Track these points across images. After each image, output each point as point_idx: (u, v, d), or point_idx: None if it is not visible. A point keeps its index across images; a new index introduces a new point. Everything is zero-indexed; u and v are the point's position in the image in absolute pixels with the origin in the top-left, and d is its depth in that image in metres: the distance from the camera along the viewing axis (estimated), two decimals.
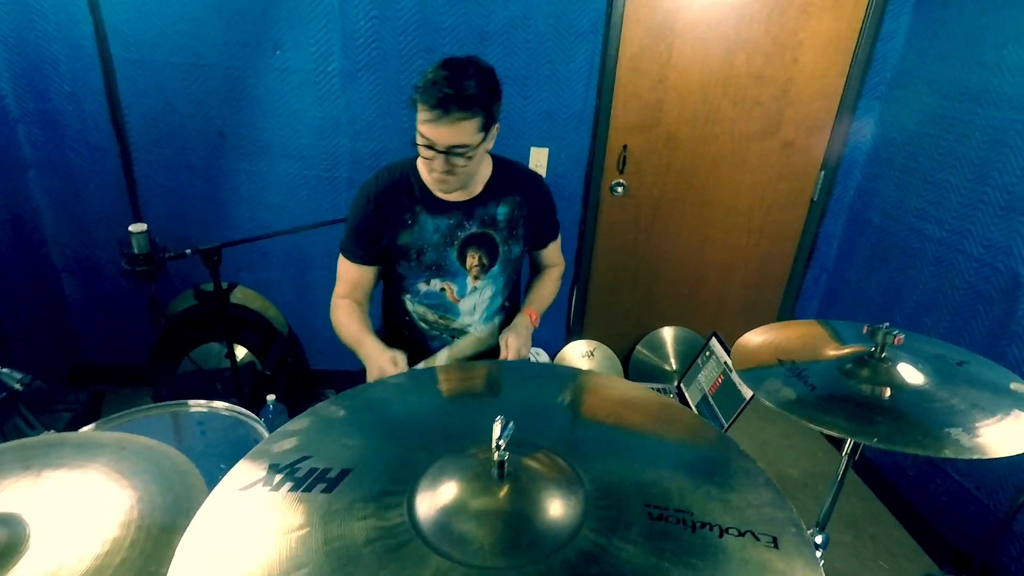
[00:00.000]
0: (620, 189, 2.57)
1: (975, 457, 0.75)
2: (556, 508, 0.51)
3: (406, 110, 2.35)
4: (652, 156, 2.52)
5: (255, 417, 1.30)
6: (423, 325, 1.57)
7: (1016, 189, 1.85)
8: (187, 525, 0.56)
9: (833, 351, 1.05)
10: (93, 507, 0.73)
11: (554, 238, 1.67)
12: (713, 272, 2.76)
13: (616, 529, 0.50)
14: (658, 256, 2.72)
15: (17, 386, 1.16)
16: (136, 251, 1.69)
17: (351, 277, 1.52)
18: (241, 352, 2.56)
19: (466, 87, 1.23)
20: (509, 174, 1.52)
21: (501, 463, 0.54)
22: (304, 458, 0.63)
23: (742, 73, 2.39)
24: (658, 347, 2.94)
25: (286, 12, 2.17)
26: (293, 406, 1.61)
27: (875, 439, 0.80)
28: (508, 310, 1.64)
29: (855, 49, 2.37)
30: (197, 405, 1.31)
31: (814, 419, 0.87)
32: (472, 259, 1.50)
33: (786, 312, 2.84)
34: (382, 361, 1.35)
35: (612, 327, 2.85)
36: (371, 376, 1.38)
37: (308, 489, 0.58)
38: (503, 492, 0.53)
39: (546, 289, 1.67)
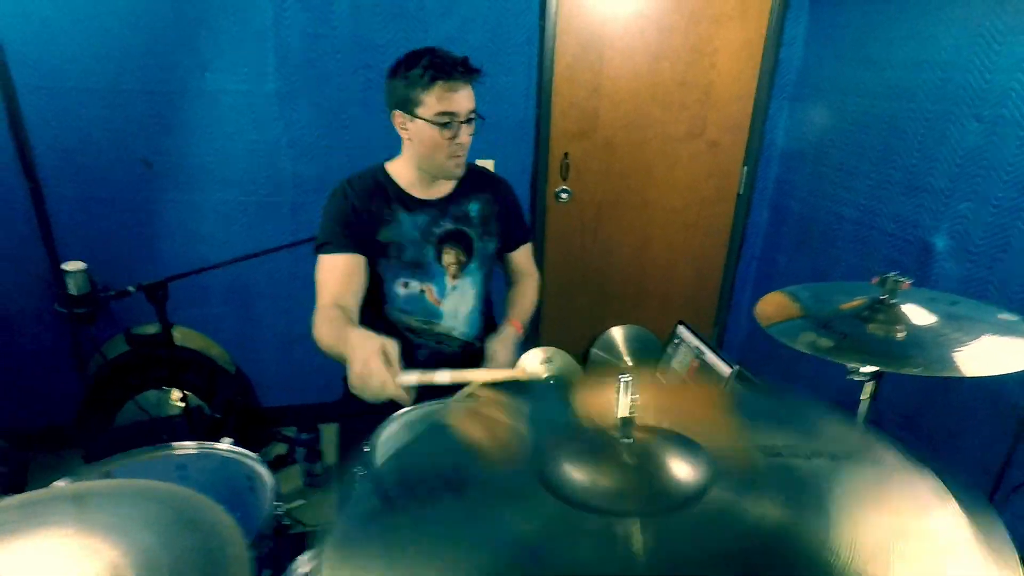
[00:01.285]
0: (565, 195, 2.64)
1: (998, 373, 0.88)
2: (682, 468, 0.52)
3: (349, 129, 2.31)
4: (592, 162, 2.62)
5: (247, 453, 1.21)
6: (408, 335, 1.54)
7: (916, 169, 2.10)
8: None
9: (844, 304, 1.17)
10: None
11: (524, 241, 1.70)
12: (656, 268, 2.90)
13: (742, 482, 0.52)
14: (604, 258, 2.82)
15: None
16: (74, 292, 1.55)
17: (337, 274, 1.42)
18: (181, 397, 2.38)
19: (468, 58, 1.36)
20: (477, 174, 1.58)
21: (627, 422, 0.54)
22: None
23: (667, 79, 2.55)
24: (611, 346, 3.03)
25: (214, 33, 2.08)
26: (246, 447, 1.45)
27: (920, 367, 0.95)
28: (486, 317, 1.65)
29: (763, 54, 2.60)
30: (181, 447, 1.20)
31: (863, 361, 0.99)
32: (449, 256, 1.51)
33: (724, 300, 3.02)
34: (367, 351, 1.06)
35: (566, 331, 2.90)
36: (354, 370, 1.08)
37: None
38: (628, 456, 0.53)
39: (527, 299, 1.69)
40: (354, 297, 1.42)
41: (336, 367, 2.79)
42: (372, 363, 1.03)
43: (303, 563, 0.93)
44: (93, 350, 2.31)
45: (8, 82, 1.97)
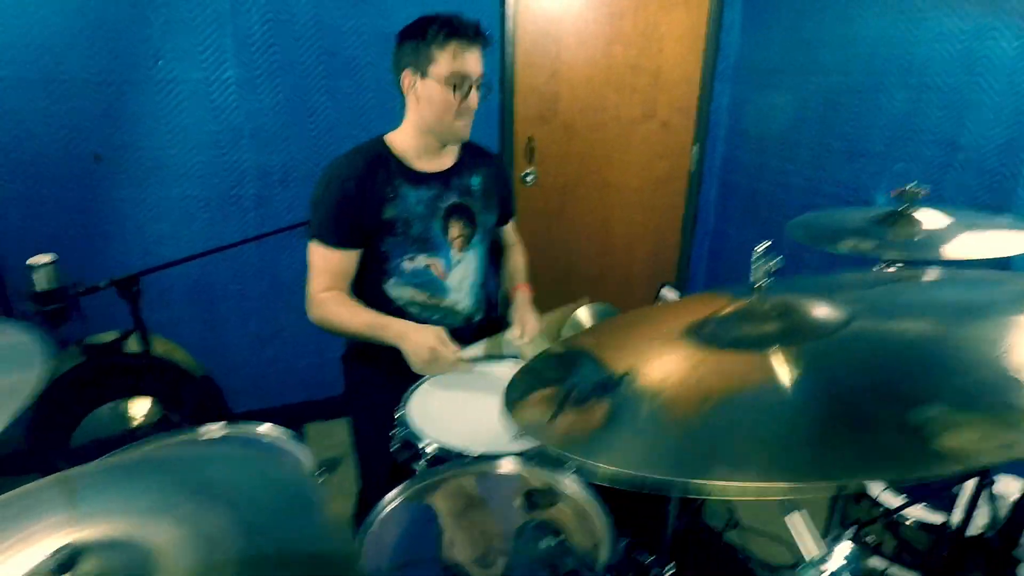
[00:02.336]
0: (530, 178, 2.70)
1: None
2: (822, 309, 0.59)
3: (313, 117, 2.26)
4: (554, 145, 2.69)
5: (279, 432, 1.17)
6: (413, 309, 1.53)
7: (854, 137, 2.31)
8: None
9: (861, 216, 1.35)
10: None
11: (513, 215, 1.75)
12: (617, 246, 3.01)
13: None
14: (570, 238, 2.90)
15: None
16: (45, 286, 1.43)
17: (333, 266, 1.44)
18: (145, 406, 2.24)
19: (477, 21, 1.40)
20: (474, 148, 1.60)
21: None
22: None
23: (620, 63, 2.67)
24: (579, 325, 3.11)
25: (166, 18, 1.98)
26: None
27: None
28: (486, 291, 1.68)
29: (705, 39, 2.77)
30: (208, 431, 1.14)
31: (904, 254, 1.19)
32: (455, 230, 1.52)
33: (682, 274, 3.17)
34: (428, 339, 1.32)
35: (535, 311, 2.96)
36: (419, 358, 1.33)
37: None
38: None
39: (521, 263, 1.77)
40: (347, 289, 1.48)
41: (310, 363, 2.70)
42: (439, 348, 1.31)
43: (395, 494, 0.92)
44: None
45: None
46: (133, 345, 2.28)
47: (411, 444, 1.15)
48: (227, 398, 2.52)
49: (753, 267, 0.63)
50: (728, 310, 0.68)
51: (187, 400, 2.32)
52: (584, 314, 3.36)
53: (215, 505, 0.78)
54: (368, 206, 1.43)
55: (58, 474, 0.81)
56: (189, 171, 2.14)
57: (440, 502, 0.96)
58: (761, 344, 0.60)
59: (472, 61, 1.38)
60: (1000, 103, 1.85)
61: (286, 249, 2.37)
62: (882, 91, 2.17)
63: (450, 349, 1.33)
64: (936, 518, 1.37)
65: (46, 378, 2.10)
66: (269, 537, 0.73)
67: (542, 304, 3.19)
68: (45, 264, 1.43)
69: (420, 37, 1.37)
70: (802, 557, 0.54)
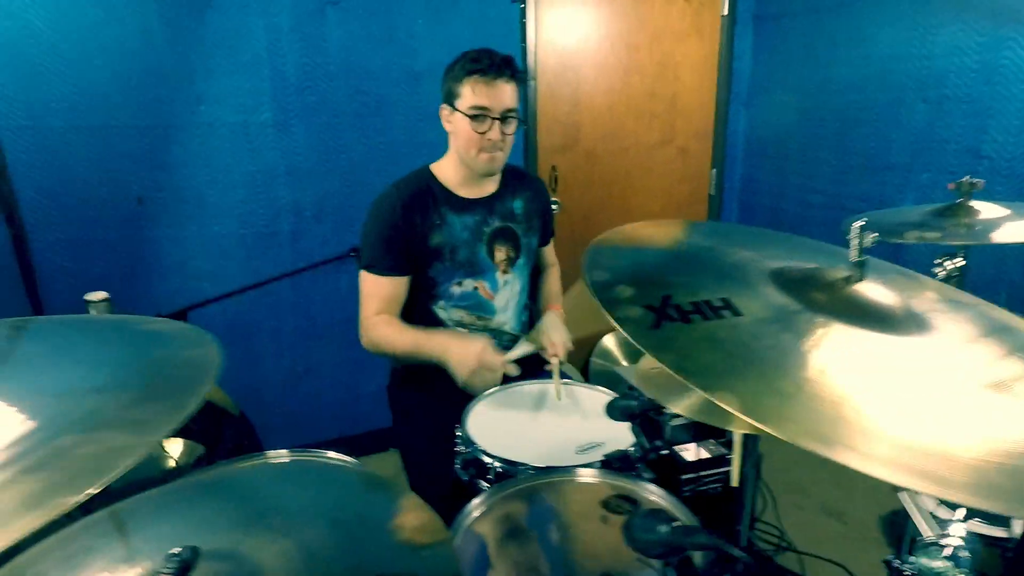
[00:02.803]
0: (555, 207, 2.73)
1: None
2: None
3: (345, 154, 2.33)
4: (577, 173, 2.75)
5: (347, 459, 1.17)
6: (460, 330, 1.55)
7: (874, 151, 2.34)
8: None
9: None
10: None
11: (553, 235, 1.79)
12: None
13: None
14: None
15: None
16: None
17: (385, 292, 1.47)
18: (180, 446, 2.23)
19: (512, 58, 1.42)
20: (515, 173, 1.64)
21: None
22: None
23: (638, 92, 2.74)
24: (607, 354, 3.10)
25: (208, 64, 2.07)
26: None
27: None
28: (530, 311, 1.71)
29: (718, 66, 2.85)
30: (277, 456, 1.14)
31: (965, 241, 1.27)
32: (500, 253, 1.55)
33: None
34: (475, 349, 1.32)
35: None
36: (465, 367, 1.32)
37: None
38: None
39: (557, 286, 1.79)
40: (397, 312, 1.50)
41: (347, 398, 2.71)
42: (486, 357, 1.31)
43: (475, 506, 0.91)
44: None
45: None
46: None
47: (476, 461, 1.14)
48: (259, 435, 2.52)
49: (851, 243, 0.64)
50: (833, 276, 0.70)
51: (225, 438, 2.32)
52: (611, 342, 3.36)
53: (309, 522, 0.78)
54: (415, 235, 1.46)
55: (108, 509, 0.82)
56: (227, 209, 2.20)
57: (519, 513, 0.95)
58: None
59: (494, 95, 1.38)
60: (1021, 110, 1.89)
61: (319, 285, 2.41)
62: (902, 105, 2.21)
63: (495, 355, 1.33)
64: (996, 531, 1.35)
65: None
66: (369, 554, 0.73)
67: (571, 334, 3.17)
68: (101, 300, 1.46)
69: (451, 72, 1.43)
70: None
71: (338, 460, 1.17)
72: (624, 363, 3.09)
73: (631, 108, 2.75)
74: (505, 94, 1.41)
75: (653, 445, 0.97)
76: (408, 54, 2.32)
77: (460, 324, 1.55)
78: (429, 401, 1.52)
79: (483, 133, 1.40)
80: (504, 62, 1.41)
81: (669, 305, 0.61)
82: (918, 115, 2.17)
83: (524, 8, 2.46)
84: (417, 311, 1.55)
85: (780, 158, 2.79)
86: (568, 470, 1.03)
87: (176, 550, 0.60)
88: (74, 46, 1.90)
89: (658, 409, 0.94)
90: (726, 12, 2.78)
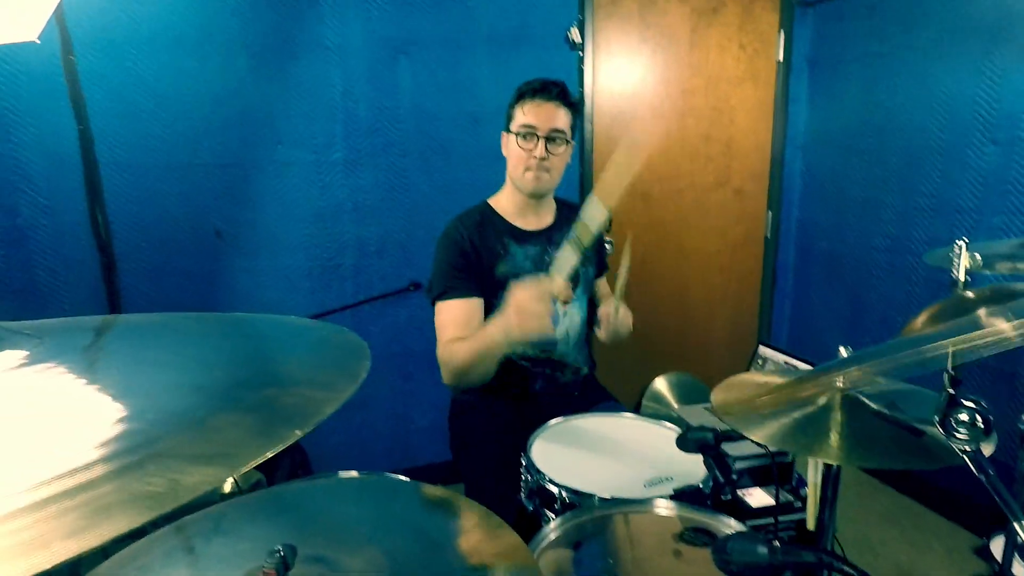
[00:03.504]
0: (608, 247, 2.76)
1: None
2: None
3: (408, 192, 2.43)
4: (632, 214, 2.77)
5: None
6: (523, 363, 1.56)
7: (942, 194, 2.29)
8: None
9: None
10: None
11: (607, 268, 1.80)
12: (697, 314, 2.99)
13: None
14: (648, 307, 2.90)
15: None
16: None
17: (461, 316, 1.47)
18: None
19: (564, 85, 1.52)
20: (569, 205, 1.69)
21: None
22: None
23: (693, 135, 2.78)
24: (659, 397, 3.04)
25: (288, 108, 2.22)
26: None
27: None
28: (590, 345, 1.71)
29: (774, 110, 2.87)
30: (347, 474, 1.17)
31: None
32: None
33: (763, 339, 3.10)
34: (525, 291, 1.22)
35: (615, 384, 2.92)
36: (526, 311, 1.21)
37: None
38: None
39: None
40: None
41: (401, 431, 2.72)
42: (539, 286, 1.22)
43: (550, 531, 0.91)
44: None
45: (92, 161, 2.03)
46: None
47: (542, 491, 1.14)
48: (312, 465, 2.56)
49: (954, 263, 0.64)
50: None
51: (280, 466, 2.37)
52: (663, 385, 3.30)
53: (391, 535, 0.80)
54: (483, 263, 1.50)
55: (174, 523, 0.84)
56: (296, 243, 2.31)
57: (591, 542, 0.94)
58: None
59: (541, 114, 1.46)
60: None
61: (377, 318, 2.47)
62: (969, 147, 2.17)
63: (542, 284, 1.23)
64: None
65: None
66: (452, 567, 0.73)
67: (622, 376, 3.15)
68: None
69: (510, 100, 1.53)
70: None
71: (410, 481, 1.19)
72: (675, 405, 3.02)
73: (686, 150, 2.78)
74: (552, 114, 1.47)
75: (728, 478, 0.95)
76: (472, 99, 2.43)
77: (522, 358, 1.56)
78: (491, 431, 1.52)
79: (530, 151, 1.47)
80: (553, 84, 1.49)
81: None
82: (987, 157, 2.12)
83: (583, 56, 2.55)
84: None
85: (839, 200, 2.75)
86: (642, 501, 1.02)
87: (277, 547, 0.62)
88: (171, 91, 2.08)
89: (734, 437, 0.92)
90: (781, 59, 2.81)
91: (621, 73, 2.64)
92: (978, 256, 0.66)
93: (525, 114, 1.48)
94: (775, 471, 1.49)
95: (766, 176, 2.93)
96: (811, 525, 1.10)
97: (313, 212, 2.32)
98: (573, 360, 1.61)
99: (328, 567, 0.68)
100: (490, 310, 1.51)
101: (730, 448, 1.55)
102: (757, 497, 1.63)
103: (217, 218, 2.21)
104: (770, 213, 2.96)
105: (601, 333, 1.53)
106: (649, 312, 2.91)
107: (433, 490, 0.97)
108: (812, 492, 1.15)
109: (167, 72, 2.06)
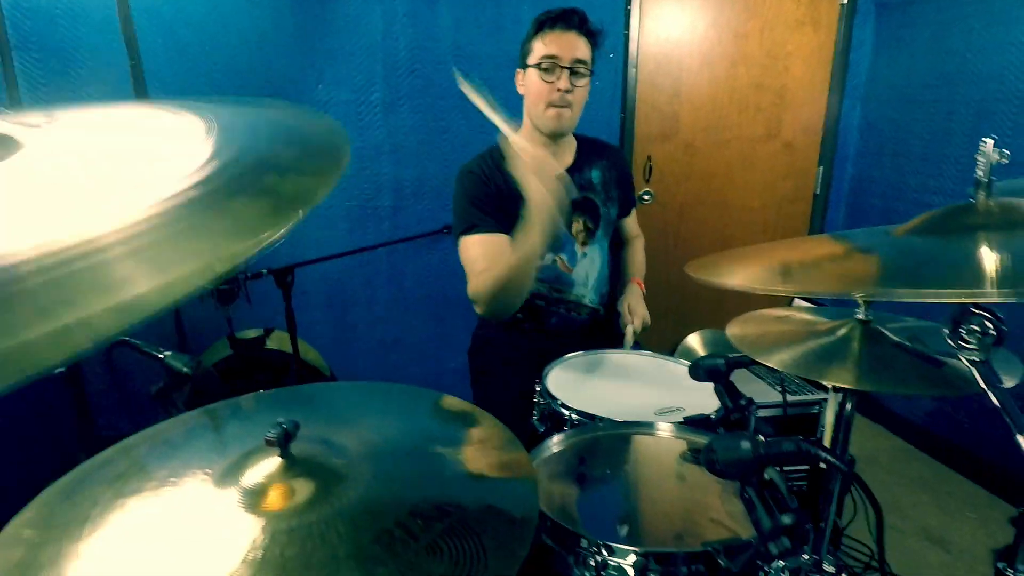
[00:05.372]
0: (647, 197, 2.70)
1: None
2: None
3: (447, 135, 2.43)
4: (673, 164, 2.70)
5: None
6: (539, 302, 1.56)
7: (1013, 146, 2.11)
8: None
9: None
10: None
11: (634, 205, 1.77)
12: None
13: None
14: (686, 259, 2.83)
15: (186, 369, 1.05)
16: None
17: (489, 249, 1.40)
18: None
19: (586, 13, 1.43)
20: (591, 143, 1.62)
21: None
22: None
23: (744, 83, 2.65)
24: (691, 354, 3.00)
25: (329, 47, 2.23)
26: None
27: None
28: (612, 284, 1.68)
29: (833, 58, 2.70)
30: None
31: None
32: (577, 224, 1.55)
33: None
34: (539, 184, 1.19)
35: (650, 335, 2.90)
36: (538, 198, 1.19)
37: None
38: None
39: (639, 257, 1.76)
40: None
41: (431, 372, 2.78)
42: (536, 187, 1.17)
43: (555, 443, 0.93)
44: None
45: (143, 93, 2.12)
46: (273, 343, 2.49)
47: (554, 414, 1.15)
48: None
49: (979, 162, 0.60)
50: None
51: None
52: (695, 341, 3.25)
53: (397, 433, 0.83)
54: (507, 202, 1.48)
55: (203, 408, 0.90)
56: None
57: (595, 457, 0.96)
58: None
59: (563, 43, 1.38)
60: None
61: (412, 259, 2.52)
62: None
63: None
64: None
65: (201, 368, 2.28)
66: (451, 476, 0.75)
67: (658, 327, 3.12)
68: None
69: (525, 38, 1.47)
70: None
71: (434, 392, 1.22)
72: None
73: (735, 100, 2.67)
74: (574, 44, 1.40)
75: (737, 405, 0.94)
76: (513, 41, 2.31)
77: (538, 296, 1.55)
78: (509, 362, 1.55)
79: (552, 83, 1.39)
80: (573, 12, 1.41)
81: None
82: None
83: None
84: None
85: (899, 156, 2.59)
86: (648, 424, 1.02)
87: (281, 420, 0.66)
88: (219, 29, 2.13)
89: (746, 363, 0.91)
90: (846, 1, 2.63)
91: (669, 16, 2.53)
92: (1007, 153, 0.61)
93: (546, 45, 1.40)
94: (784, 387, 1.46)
95: (819, 129, 2.78)
96: (827, 442, 1.08)
97: (352, 152, 2.34)
98: (590, 301, 1.60)
99: (328, 448, 0.71)
100: None
101: (753, 393, 1.53)
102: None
103: None
104: (821, 168, 2.82)
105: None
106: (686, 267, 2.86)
107: (455, 401, 1.00)
108: (828, 432, 1.13)
109: (215, 10, 2.10)
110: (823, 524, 1.08)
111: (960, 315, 0.56)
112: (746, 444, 0.55)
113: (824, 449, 0.51)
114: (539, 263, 1.48)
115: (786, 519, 0.51)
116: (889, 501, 2.16)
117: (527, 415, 1.26)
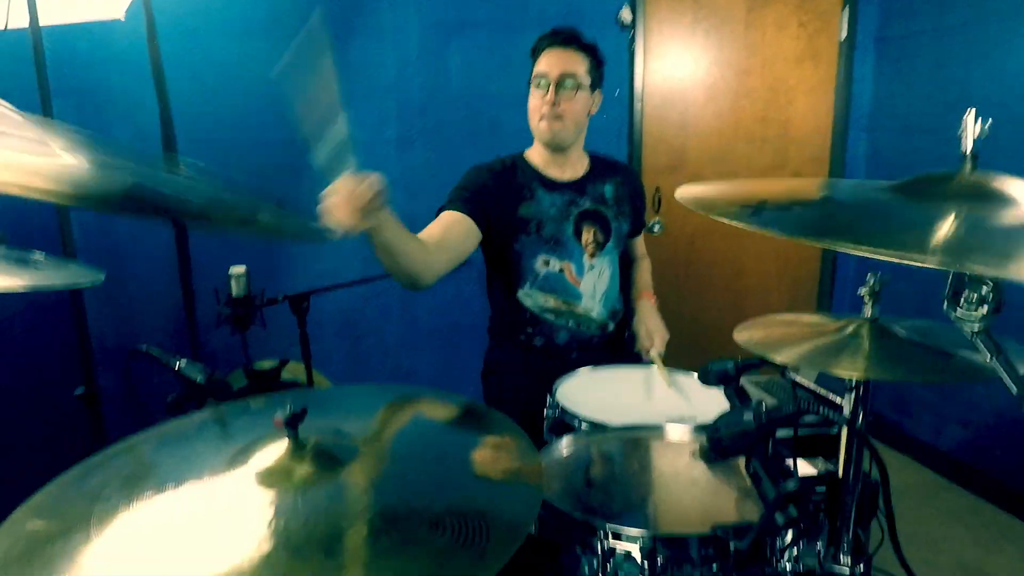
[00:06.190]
0: (657, 228, 2.73)
1: None
2: None
3: (458, 170, 2.49)
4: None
5: None
6: (547, 316, 1.56)
7: (1019, 170, 2.12)
8: None
9: None
10: None
11: (643, 227, 1.79)
12: (751, 297, 2.90)
13: None
14: (698, 290, 2.84)
15: (200, 378, 1.07)
16: (237, 293, 1.66)
17: (437, 224, 1.45)
18: None
19: (578, 31, 1.51)
20: (605, 160, 1.68)
21: None
22: None
23: (749, 117, 2.71)
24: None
25: (346, 88, 2.33)
26: None
27: None
28: (622, 301, 1.68)
29: (835, 91, 2.76)
30: None
31: None
32: (587, 235, 1.57)
33: None
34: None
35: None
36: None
37: None
38: None
39: (647, 274, 1.78)
40: (441, 245, 1.37)
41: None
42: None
43: (565, 445, 0.92)
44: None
45: (171, 135, 2.22)
46: (288, 374, 2.51)
47: (564, 425, 1.15)
48: None
49: (963, 133, 0.62)
50: None
51: None
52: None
53: (407, 435, 0.84)
54: (505, 201, 1.52)
55: (211, 408, 0.92)
56: None
57: (606, 459, 0.95)
58: None
59: (551, 61, 1.47)
60: None
61: (425, 294, 2.54)
62: None
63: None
64: None
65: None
66: (456, 477, 0.75)
67: (671, 358, 3.08)
68: (239, 274, 1.67)
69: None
70: None
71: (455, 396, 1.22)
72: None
73: (741, 132, 2.72)
74: (562, 59, 1.47)
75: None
76: (522, 79, 2.45)
77: (545, 309, 1.56)
78: (520, 384, 1.54)
79: (541, 98, 1.48)
80: (563, 30, 1.50)
81: None
82: None
83: (633, 37, 2.56)
84: (502, 299, 1.60)
85: None
86: (658, 427, 1.01)
87: (289, 403, 0.67)
88: (244, 73, 2.24)
89: (756, 365, 0.90)
90: (844, 36, 2.71)
91: (673, 54, 2.63)
92: (989, 121, 0.63)
93: (538, 64, 1.51)
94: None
95: (826, 159, 2.82)
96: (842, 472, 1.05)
97: None
98: (598, 315, 1.60)
99: (336, 435, 0.72)
100: (510, 249, 1.53)
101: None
102: (800, 470, 1.57)
103: (279, 190, 2.35)
104: None
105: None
106: (702, 296, 2.85)
107: (475, 406, 0.99)
108: (850, 399, 1.09)
109: (239, 55, 2.23)
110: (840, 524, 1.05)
111: (958, 283, 0.57)
112: (748, 416, 0.55)
113: (825, 402, 0.51)
114: (545, 270, 1.51)
115: (790, 484, 0.50)
116: (921, 535, 2.07)
117: (538, 432, 1.26)
